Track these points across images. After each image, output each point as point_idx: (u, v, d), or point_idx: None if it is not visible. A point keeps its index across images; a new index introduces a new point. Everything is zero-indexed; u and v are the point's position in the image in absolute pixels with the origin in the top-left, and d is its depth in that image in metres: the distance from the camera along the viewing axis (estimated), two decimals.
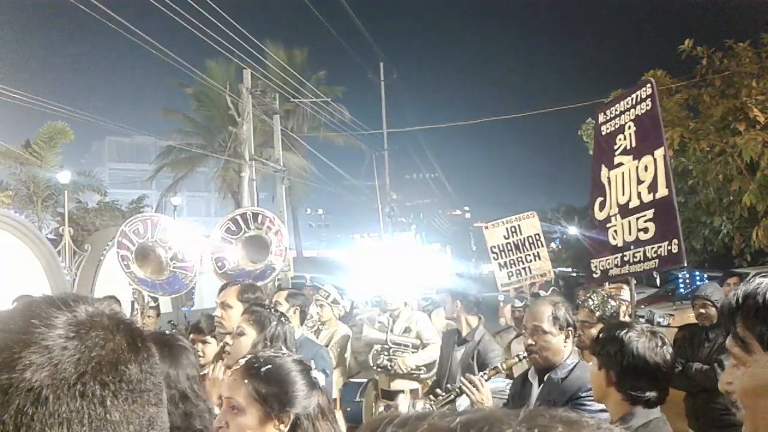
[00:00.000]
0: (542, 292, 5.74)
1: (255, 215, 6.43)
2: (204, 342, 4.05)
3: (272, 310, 3.02)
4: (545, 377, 2.96)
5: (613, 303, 3.96)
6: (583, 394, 2.74)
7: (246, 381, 1.85)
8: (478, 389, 3.12)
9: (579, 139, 15.51)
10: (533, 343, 2.96)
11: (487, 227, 7.60)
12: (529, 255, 7.26)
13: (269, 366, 1.88)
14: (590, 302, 3.90)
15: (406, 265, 16.34)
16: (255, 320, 2.88)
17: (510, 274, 7.28)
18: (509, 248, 7.35)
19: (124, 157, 59.02)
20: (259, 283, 5.98)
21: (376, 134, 27.46)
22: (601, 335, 2.39)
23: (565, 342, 2.93)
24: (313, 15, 20.94)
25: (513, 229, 7.39)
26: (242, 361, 1.97)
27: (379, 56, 28.61)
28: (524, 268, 7.24)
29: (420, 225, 55.28)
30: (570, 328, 2.95)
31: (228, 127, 19.59)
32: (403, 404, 4.64)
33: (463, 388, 3.19)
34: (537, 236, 7.40)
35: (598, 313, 3.83)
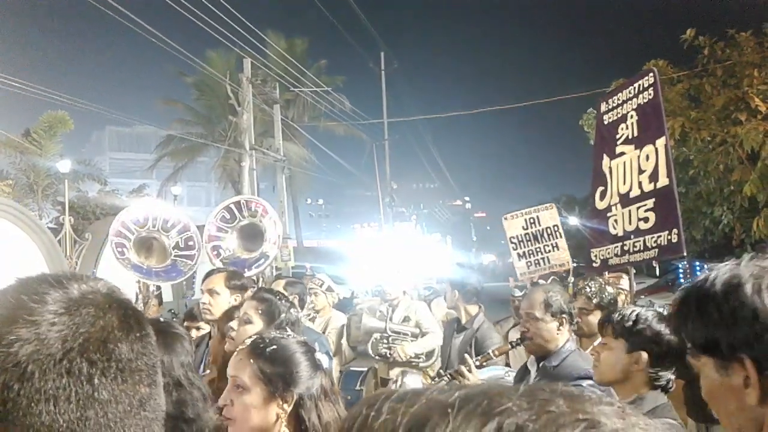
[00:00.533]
0: (541, 281, 5.74)
1: (248, 203, 6.45)
2: (198, 328, 4.07)
3: (283, 299, 2.98)
4: (539, 365, 2.97)
5: (610, 290, 3.97)
6: (572, 383, 2.74)
7: (251, 360, 1.89)
8: (464, 376, 3.15)
9: (580, 129, 15.48)
10: (526, 330, 2.97)
11: (506, 218, 7.67)
12: (548, 245, 7.32)
13: (274, 346, 1.92)
14: (588, 289, 3.91)
15: (406, 254, 16.36)
16: (265, 310, 2.84)
17: (529, 264, 7.34)
18: (528, 239, 7.43)
19: (124, 147, 59.02)
20: (254, 271, 6.00)
21: (377, 124, 27.45)
22: (631, 319, 2.32)
23: (559, 329, 2.94)
24: (314, 4, 20.84)
25: (531, 220, 7.47)
26: (248, 341, 2.01)
27: (380, 46, 28.54)
28: (543, 258, 7.31)
29: (420, 215, 55.29)
30: (564, 315, 2.95)
31: (228, 116, 19.58)
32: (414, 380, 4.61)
33: (453, 374, 3.21)
34: (555, 227, 7.48)
35: (595, 300, 3.83)
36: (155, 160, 29.59)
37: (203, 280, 3.82)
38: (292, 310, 2.92)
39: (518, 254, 7.45)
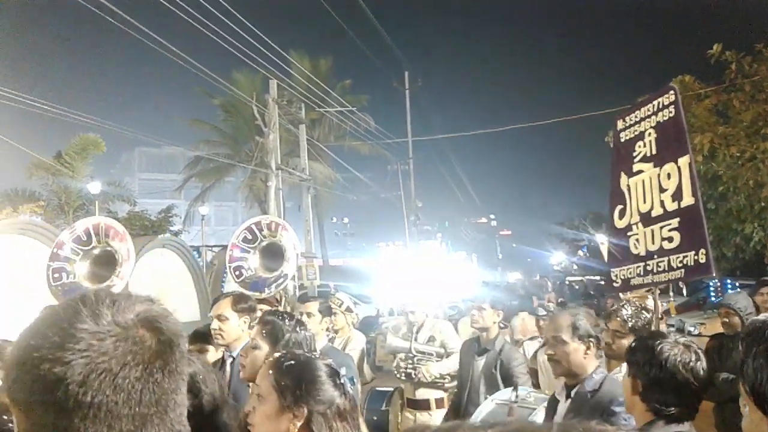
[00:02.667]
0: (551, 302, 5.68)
1: (268, 224, 6.48)
2: (201, 350, 4.09)
3: (285, 318, 2.97)
4: (572, 392, 2.92)
5: (646, 314, 3.88)
6: (616, 408, 2.67)
7: (270, 372, 1.98)
8: None
9: (606, 146, 15.36)
10: (553, 353, 2.94)
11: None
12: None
13: (292, 361, 2.01)
14: (624, 312, 3.82)
15: (431, 273, 16.30)
16: (268, 332, 2.86)
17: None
18: None
19: (153, 168, 60.00)
20: (273, 290, 6.03)
21: (401, 143, 27.49)
22: (634, 343, 2.38)
23: (586, 354, 2.90)
24: (338, 24, 21.08)
25: None
26: (276, 354, 2.12)
27: (404, 64, 28.66)
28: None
29: (445, 233, 55.08)
30: (591, 339, 2.91)
31: (255, 137, 19.81)
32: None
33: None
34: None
35: (630, 324, 3.74)
36: (183, 180, 30.00)
37: (212, 306, 3.89)
38: (299, 329, 2.92)
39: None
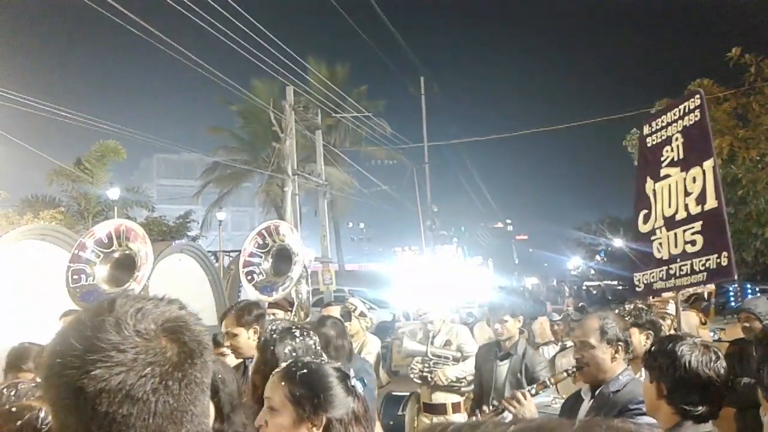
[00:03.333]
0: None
1: (276, 227, 6.52)
2: (223, 354, 4.06)
3: (275, 331, 2.79)
4: (597, 392, 2.90)
5: (650, 314, 3.89)
6: (633, 407, 2.69)
7: (283, 383, 1.93)
8: (520, 403, 3.08)
9: (623, 150, 15.27)
10: (581, 357, 2.92)
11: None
12: None
13: (305, 370, 1.96)
14: (622, 310, 3.85)
15: (447, 278, 16.27)
16: (259, 347, 2.76)
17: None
18: None
19: (171, 174, 60.55)
20: (280, 294, 6.05)
21: (417, 148, 27.51)
22: (653, 348, 2.38)
23: (614, 357, 2.87)
24: (354, 31, 21.18)
25: None
26: (284, 365, 2.06)
27: (420, 70, 28.69)
28: None
29: (462, 238, 54.96)
30: (620, 343, 2.89)
31: (272, 143, 19.92)
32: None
33: (504, 403, 3.14)
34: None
35: (629, 320, 3.71)
36: (201, 186, 30.24)
37: (220, 322, 3.86)
38: (298, 339, 2.75)
39: None
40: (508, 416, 3.29)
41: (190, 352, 0.94)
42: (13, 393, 1.84)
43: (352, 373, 2.05)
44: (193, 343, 0.95)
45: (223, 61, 14.88)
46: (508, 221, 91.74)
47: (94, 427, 0.86)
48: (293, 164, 17.57)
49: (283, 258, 6.48)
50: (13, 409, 1.70)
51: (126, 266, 5.69)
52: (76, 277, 5.63)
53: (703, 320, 5.47)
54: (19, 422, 1.64)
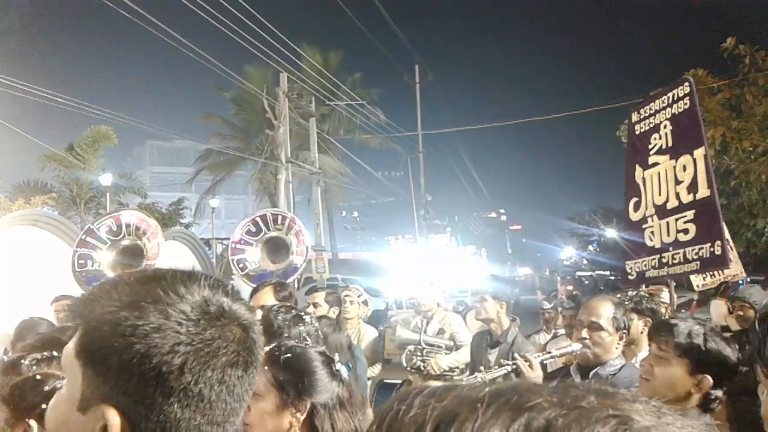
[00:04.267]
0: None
1: (275, 217, 6.49)
2: None
3: (280, 312, 2.84)
4: (591, 373, 2.89)
5: (648, 300, 3.88)
6: (634, 390, 2.69)
7: (266, 368, 1.88)
8: (532, 366, 3.05)
9: (617, 140, 15.28)
10: (587, 337, 2.90)
11: None
12: None
13: (289, 354, 1.92)
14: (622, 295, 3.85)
15: (440, 266, 16.30)
16: (263, 325, 2.76)
17: (704, 276, 7.32)
18: None
19: (164, 161, 60.23)
20: (293, 278, 6.05)
21: (411, 136, 27.46)
22: (698, 339, 2.26)
23: (618, 343, 2.89)
24: (348, 17, 21.05)
25: None
26: (266, 348, 2.00)
27: (414, 58, 28.61)
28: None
29: (455, 227, 55.03)
30: (624, 331, 2.90)
31: (265, 130, 19.84)
32: None
33: (518, 362, 3.10)
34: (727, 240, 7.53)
35: (629, 305, 3.72)
36: (194, 173, 30.11)
37: (251, 296, 3.83)
38: (300, 326, 2.77)
39: None
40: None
41: (254, 341, 0.93)
42: (33, 362, 1.82)
43: (336, 357, 2.04)
44: (257, 334, 0.94)
45: (216, 47, 14.78)
46: (502, 211, 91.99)
47: (160, 399, 0.83)
48: (287, 152, 17.50)
49: (276, 247, 6.47)
50: (38, 377, 1.67)
51: (132, 255, 5.71)
52: (82, 261, 5.63)
53: (730, 309, 5.50)
54: (46, 388, 1.61)
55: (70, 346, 0.88)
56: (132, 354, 0.82)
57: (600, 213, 43.83)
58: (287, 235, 6.32)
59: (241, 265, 6.24)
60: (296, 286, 10.37)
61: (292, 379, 1.87)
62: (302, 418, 1.86)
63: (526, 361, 3.05)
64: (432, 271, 13.93)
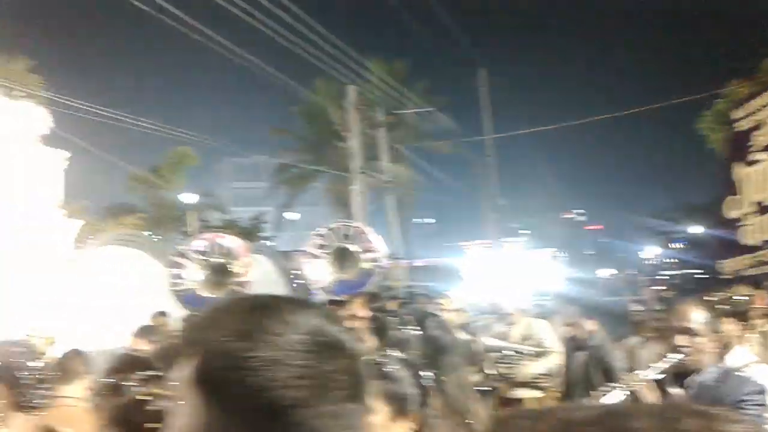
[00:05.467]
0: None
1: (343, 227, 6.56)
2: None
3: (390, 315, 3.02)
4: (686, 380, 2.79)
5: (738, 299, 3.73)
6: (746, 398, 2.58)
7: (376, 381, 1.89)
8: (647, 388, 2.93)
9: (695, 133, 14.65)
10: (684, 344, 2.81)
11: None
12: None
13: (392, 367, 1.95)
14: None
15: (518, 271, 16.04)
16: (375, 328, 2.90)
17: None
18: None
19: (242, 177, 62.02)
20: (365, 288, 6.09)
21: (483, 141, 27.19)
22: None
23: (712, 348, 2.81)
24: (413, 25, 21.16)
25: None
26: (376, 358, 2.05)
27: (480, 62, 28.35)
28: None
29: (532, 230, 54.00)
30: (718, 335, 2.82)
31: (335, 142, 20.13)
32: None
33: (633, 385, 2.95)
34: None
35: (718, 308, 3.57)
36: (270, 188, 30.85)
37: (335, 307, 3.92)
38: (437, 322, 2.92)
39: None
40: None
41: (360, 374, 0.93)
42: (133, 384, 1.87)
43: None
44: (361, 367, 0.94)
45: (285, 63, 15.18)
46: (581, 211, 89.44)
47: None
48: (358, 163, 17.72)
49: (343, 257, 6.53)
50: (140, 398, 1.74)
51: (222, 272, 5.96)
52: (176, 280, 5.92)
53: None
54: (150, 408, 1.67)
55: (187, 373, 0.88)
56: (246, 388, 0.83)
57: (683, 209, 41.98)
58: (356, 244, 6.38)
59: (313, 278, 6.35)
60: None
61: (400, 391, 1.88)
62: (416, 428, 1.86)
63: (639, 382, 2.91)
64: (510, 276, 13.74)
